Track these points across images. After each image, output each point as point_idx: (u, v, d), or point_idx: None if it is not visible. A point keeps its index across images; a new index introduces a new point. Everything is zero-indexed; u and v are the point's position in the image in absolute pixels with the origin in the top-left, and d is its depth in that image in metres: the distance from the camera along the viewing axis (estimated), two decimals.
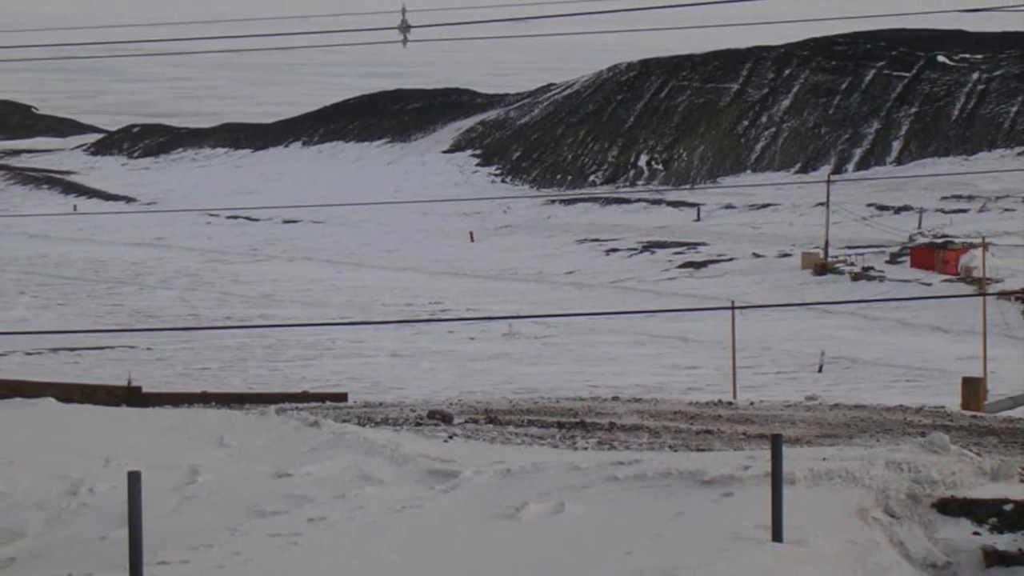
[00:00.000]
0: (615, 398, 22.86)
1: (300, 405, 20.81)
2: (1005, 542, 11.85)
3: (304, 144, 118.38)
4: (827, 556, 11.46)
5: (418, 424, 18.58)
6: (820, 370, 48.16)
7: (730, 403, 22.27)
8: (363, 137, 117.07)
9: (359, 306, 66.58)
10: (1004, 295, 56.15)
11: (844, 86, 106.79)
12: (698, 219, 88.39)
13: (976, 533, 12.09)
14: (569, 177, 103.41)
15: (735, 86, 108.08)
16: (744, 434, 18.08)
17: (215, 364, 50.39)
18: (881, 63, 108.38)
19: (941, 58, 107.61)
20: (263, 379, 46.07)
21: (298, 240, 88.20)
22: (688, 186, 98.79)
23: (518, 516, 12.84)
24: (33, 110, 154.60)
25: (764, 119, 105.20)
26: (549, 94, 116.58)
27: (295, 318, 62.25)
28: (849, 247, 74.23)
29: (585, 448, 16.50)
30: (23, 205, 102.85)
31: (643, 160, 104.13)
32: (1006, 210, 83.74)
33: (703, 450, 16.42)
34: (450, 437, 17.10)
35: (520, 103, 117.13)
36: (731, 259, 75.13)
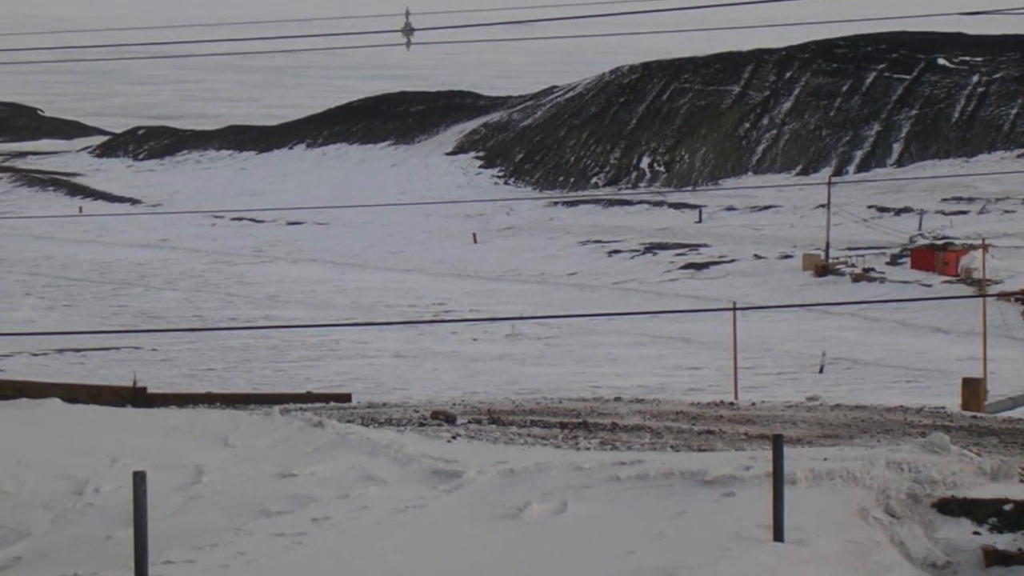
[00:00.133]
0: (617, 399, 22.93)
1: (304, 406, 20.87)
2: (1005, 542, 11.88)
3: (308, 146, 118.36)
4: (828, 556, 11.48)
5: (422, 424, 18.61)
6: (821, 371, 48.34)
7: (732, 404, 22.32)
8: (367, 139, 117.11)
9: (363, 307, 66.69)
10: (1004, 296, 56.06)
11: (845, 88, 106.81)
12: (700, 221, 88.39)
13: (976, 533, 12.11)
14: (572, 179, 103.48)
15: (737, 88, 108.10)
16: (745, 434, 18.12)
17: (220, 365, 50.59)
18: (882, 66, 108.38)
19: (941, 61, 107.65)
20: (268, 380, 46.29)
21: (302, 242, 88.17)
22: (690, 188, 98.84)
23: (521, 516, 12.86)
24: (39, 112, 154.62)
25: (765, 121, 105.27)
26: (552, 96, 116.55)
27: (299, 319, 62.22)
28: (850, 249, 74.15)
29: (588, 448, 16.53)
30: (29, 207, 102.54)
31: (645, 162, 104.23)
32: (1006, 212, 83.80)
33: (705, 450, 16.46)
34: (453, 437, 17.13)
35: (523, 105, 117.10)
36: (733, 260, 75.14)
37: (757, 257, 75.66)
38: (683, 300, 65.78)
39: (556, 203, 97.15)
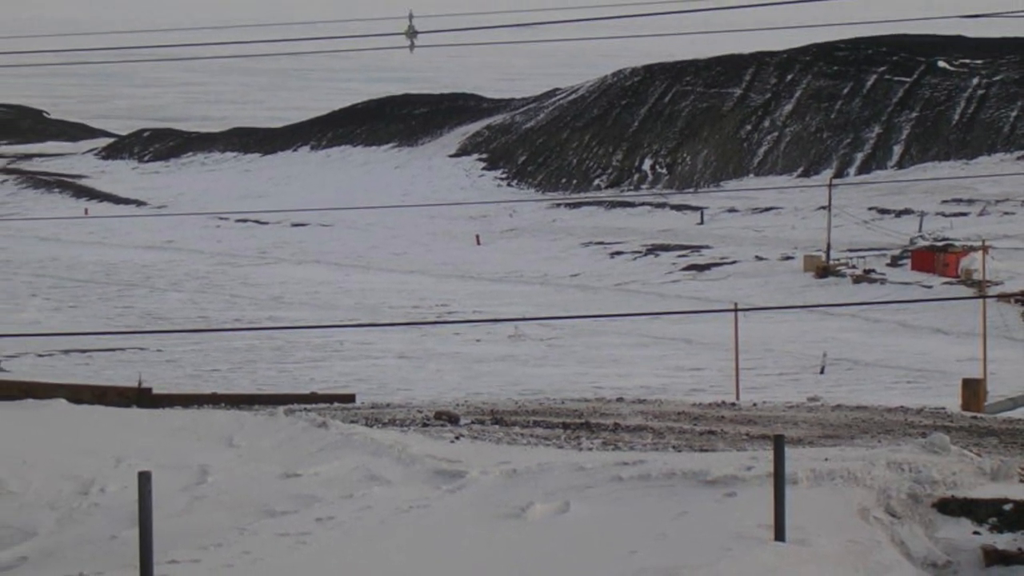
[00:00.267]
0: (619, 399, 22.96)
1: (308, 406, 20.83)
2: (1005, 541, 11.90)
3: (312, 148, 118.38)
4: (829, 555, 11.49)
5: (425, 425, 18.63)
6: (822, 372, 48.47)
7: (733, 404, 22.31)
8: (371, 141, 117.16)
9: (367, 308, 66.78)
10: (1004, 297, 56.05)
11: (846, 91, 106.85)
12: (702, 222, 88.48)
13: (976, 533, 12.14)
14: (574, 181, 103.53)
15: (738, 91, 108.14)
16: (747, 435, 18.14)
17: (224, 366, 50.76)
18: (882, 68, 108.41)
19: (942, 63, 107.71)
20: (272, 380, 46.37)
21: (307, 243, 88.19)
22: (692, 190, 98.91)
23: (524, 516, 12.88)
24: (45, 114, 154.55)
25: (767, 123, 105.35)
26: (554, 99, 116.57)
27: (304, 320, 62.31)
28: (851, 250, 74.12)
29: (590, 449, 16.53)
30: (35, 209, 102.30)
31: (647, 164, 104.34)
32: (1006, 214, 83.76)
33: (706, 451, 16.46)
34: (457, 438, 17.13)
35: (526, 108, 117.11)
36: (734, 262, 75.20)
37: (758, 258, 75.66)
38: (685, 301, 65.86)
39: (559, 205, 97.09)
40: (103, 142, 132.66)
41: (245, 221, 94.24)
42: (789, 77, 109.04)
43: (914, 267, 68.97)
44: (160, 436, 16.59)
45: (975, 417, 21.66)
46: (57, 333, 54.99)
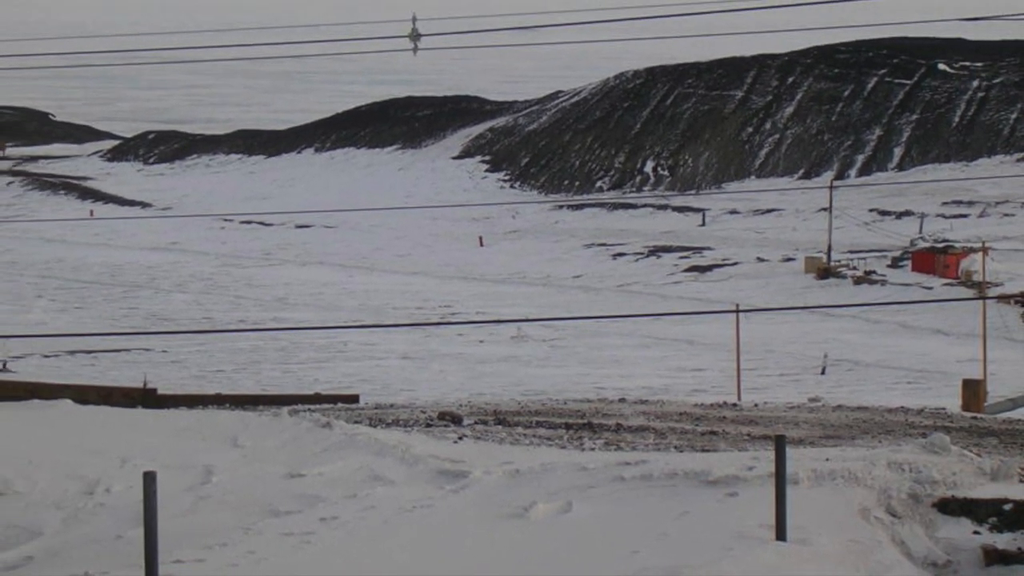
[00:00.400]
0: (622, 400, 23.06)
1: (312, 407, 20.83)
2: (1005, 541, 11.92)
3: (316, 150, 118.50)
4: (830, 555, 11.53)
5: (428, 425, 18.65)
6: (823, 372, 48.76)
7: (735, 405, 22.35)
8: (374, 143, 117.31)
9: (371, 309, 67.00)
10: (1004, 299, 56.21)
11: (847, 93, 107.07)
12: (703, 224, 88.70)
13: (976, 532, 12.16)
14: (576, 183, 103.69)
15: (740, 93, 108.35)
16: (748, 435, 18.18)
17: (229, 366, 51.03)
18: (883, 71, 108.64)
19: (942, 66, 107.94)
20: (276, 381, 46.70)
21: (311, 245, 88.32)
22: (693, 191, 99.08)
23: (527, 516, 12.90)
24: (50, 117, 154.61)
25: (768, 126, 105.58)
26: (557, 101, 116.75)
27: (308, 321, 62.56)
28: (851, 251, 74.41)
29: (592, 449, 16.55)
30: (40, 210, 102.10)
31: (649, 166, 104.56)
32: (1006, 215, 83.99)
33: (708, 451, 16.50)
34: (460, 438, 17.15)
35: (528, 110, 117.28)
36: (735, 263, 75.41)
37: (760, 260, 75.85)
38: (687, 302, 65.95)
39: (561, 206, 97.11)
40: (108, 144, 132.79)
41: (250, 223, 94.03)
42: (790, 80, 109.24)
43: (914, 268, 69.15)
44: (165, 436, 16.64)
45: (975, 417, 21.73)
46: (63, 334, 55.10)
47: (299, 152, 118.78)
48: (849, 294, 65.82)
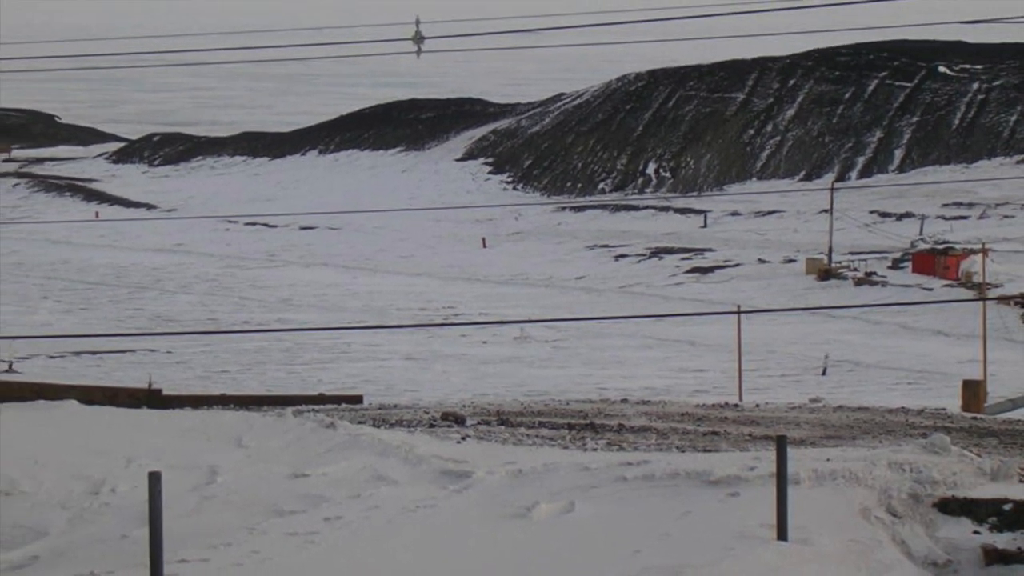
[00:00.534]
0: (624, 400, 23.16)
1: (316, 407, 20.87)
2: (1004, 541, 11.95)
3: (320, 152, 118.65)
4: (831, 554, 11.56)
5: (432, 426, 18.70)
6: (824, 373, 49.06)
7: (736, 405, 22.41)
8: (378, 146, 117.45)
9: (374, 310, 67.16)
10: (1003, 300, 56.37)
11: (847, 96, 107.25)
12: (705, 226, 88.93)
13: (976, 532, 12.19)
14: (579, 184, 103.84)
15: (741, 96, 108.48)
16: (750, 435, 18.25)
17: (234, 367, 51.26)
18: (883, 73, 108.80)
19: (942, 69, 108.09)
20: (280, 382, 46.95)
21: (315, 246, 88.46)
22: (695, 193, 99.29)
23: (529, 515, 12.93)
24: (56, 119, 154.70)
25: (769, 128, 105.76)
26: (559, 103, 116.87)
27: (312, 322, 62.84)
28: (852, 253, 74.63)
29: (595, 449, 16.60)
30: (46, 212, 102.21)
31: (651, 168, 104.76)
32: (1005, 217, 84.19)
33: (710, 451, 16.55)
34: (463, 438, 17.19)
35: (531, 112, 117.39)
36: (737, 265, 75.67)
37: (761, 261, 76.06)
38: (688, 303, 65.97)
39: (564, 208, 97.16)
40: (113, 146, 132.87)
41: (254, 224, 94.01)
42: (791, 82, 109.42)
43: (915, 270, 69.38)
44: (170, 437, 16.64)
45: (975, 418, 21.79)
46: (68, 335, 55.46)
47: (303, 154, 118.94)
48: (850, 295, 66.03)
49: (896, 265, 71.81)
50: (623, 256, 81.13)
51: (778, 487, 11.84)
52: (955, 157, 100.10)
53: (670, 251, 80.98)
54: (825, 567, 11.35)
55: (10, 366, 45.90)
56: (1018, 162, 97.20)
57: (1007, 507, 12.37)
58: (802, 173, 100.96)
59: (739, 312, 39.31)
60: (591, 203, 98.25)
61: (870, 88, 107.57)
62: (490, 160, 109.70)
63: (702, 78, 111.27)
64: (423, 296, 71.88)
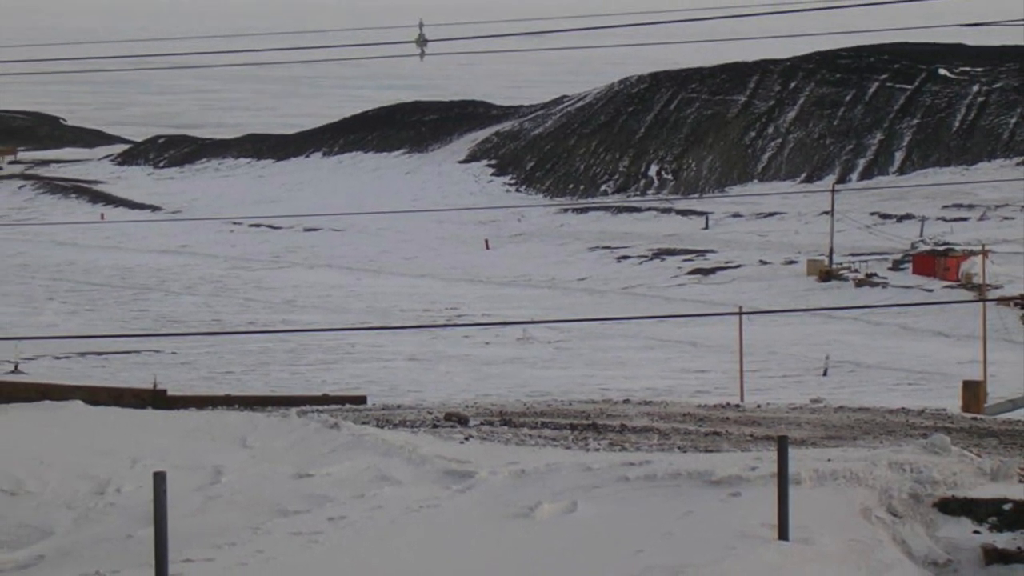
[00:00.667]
0: (626, 401, 23.20)
1: (320, 407, 20.91)
2: (1004, 540, 11.97)
3: (325, 155, 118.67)
4: (832, 554, 11.59)
5: (435, 426, 18.72)
6: (825, 374, 49.40)
7: (738, 406, 22.44)
8: (382, 148, 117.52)
9: (378, 312, 67.36)
10: (1003, 301, 56.52)
11: (848, 98, 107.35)
12: (706, 227, 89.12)
13: (976, 532, 12.21)
14: (581, 186, 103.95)
15: (742, 98, 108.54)
16: (751, 436, 18.29)
17: (238, 368, 51.58)
18: (884, 76, 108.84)
19: (942, 71, 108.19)
20: (285, 382, 47.26)
21: (319, 248, 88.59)
22: (697, 195, 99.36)
23: (532, 515, 12.96)
24: (62, 121, 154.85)
25: (771, 130, 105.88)
26: (562, 106, 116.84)
27: (316, 323, 63.16)
28: (853, 254, 74.86)
29: (597, 449, 16.63)
30: (52, 214, 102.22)
31: (653, 170, 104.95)
32: (1005, 218, 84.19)
33: (711, 451, 16.56)
34: (466, 439, 17.20)
35: (534, 115, 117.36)
36: (739, 266, 75.88)
37: (762, 263, 76.25)
38: (690, 305, 66.22)
39: (566, 210, 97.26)
40: (119, 148, 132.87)
41: (258, 226, 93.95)
42: (792, 84, 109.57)
43: (915, 271, 69.59)
44: (175, 437, 16.66)
45: (975, 418, 21.86)
46: (74, 336, 56.01)
47: (307, 156, 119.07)
48: (850, 296, 66.21)
49: (897, 266, 72.06)
50: (625, 257, 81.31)
51: (779, 487, 11.89)
52: (955, 159, 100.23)
53: (672, 252, 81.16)
54: (826, 566, 11.40)
55: (16, 367, 46.13)
56: (1018, 164, 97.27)
57: (1007, 507, 12.40)
58: (803, 175, 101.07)
59: (740, 313, 39.51)
60: (593, 205, 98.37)
61: (871, 90, 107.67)
62: (493, 162, 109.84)
63: (704, 80, 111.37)
64: (426, 297, 72.07)
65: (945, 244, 75.45)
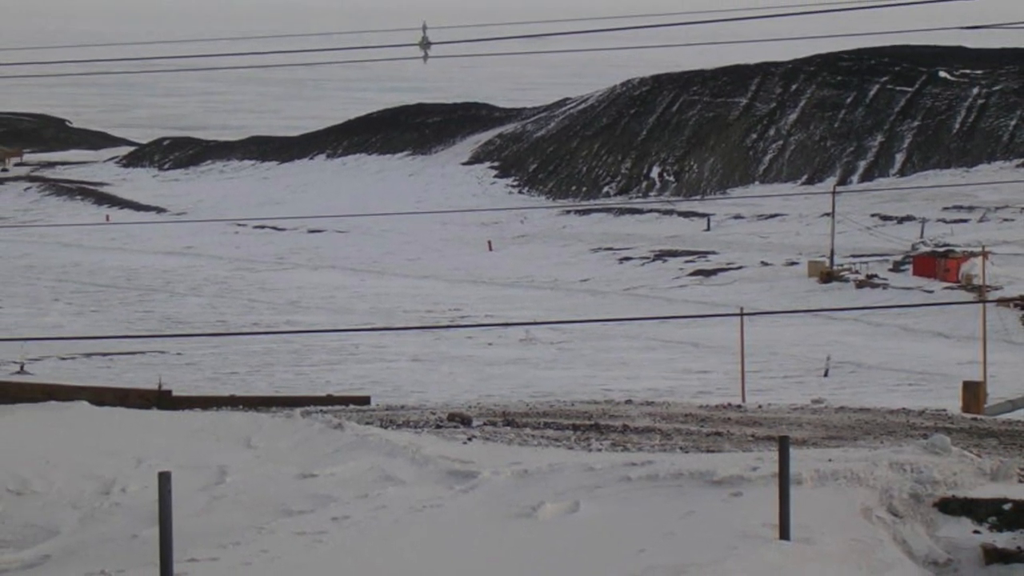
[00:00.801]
0: (628, 401, 23.19)
1: (324, 408, 20.86)
2: (1004, 540, 12.00)
3: (328, 156, 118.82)
4: (833, 554, 11.62)
5: (438, 426, 18.70)
6: (826, 374, 49.58)
7: (739, 406, 22.41)
8: (385, 150, 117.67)
9: (382, 312, 67.51)
10: (1003, 302, 56.62)
11: (849, 100, 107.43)
12: (708, 229, 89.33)
13: (976, 531, 12.24)
14: (584, 188, 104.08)
15: (744, 100, 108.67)
16: (753, 436, 18.28)
17: (243, 368, 51.77)
18: (885, 78, 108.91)
19: (942, 73, 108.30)
20: (289, 383, 47.43)
21: (323, 249, 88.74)
22: (699, 197, 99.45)
23: (535, 515, 12.97)
24: (67, 123, 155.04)
25: (772, 132, 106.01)
26: (565, 108, 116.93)
27: (320, 324, 63.24)
28: (854, 256, 74.98)
29: (599, 449, 16.60)
30: (58, 215, 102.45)
31: (655, 172, 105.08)
32: (1005, 220, 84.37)
33: (713, 451, 16.54)
34: (469, 439, 17.19)
35: (537, 117, 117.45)
36: (740, 267, 76.05)
37: (764, 264, 76.41)
38: (692, 306, 66.39)
39: (569, 211, 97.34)
40: (124, 150, 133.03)
41: (263, 227, 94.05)
42: (794, 87, 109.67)
43: (916, 272, 69.71)
44: (180, 437, 16.72)
45: (975, 419, 21.86)
46: (79, 337, 55.96)
47: (311, 158, 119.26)
48: (851, 297, 66.29)
49: (897, 268, 72.17)
50: (627, 259, 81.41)
51: (780, 487, 11.91)
52: (955, 161, 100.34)
53: (674, 254, 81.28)
54: (827, 566, 11.43)
55: (22, 367, 46.40)
56: (1018, 166, 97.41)
57: (1007, 507, 12.42)
58: (804, 177, 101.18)
59: (742, 314, 39.54)
60: (596, 206, 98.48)
61: (871, 93, 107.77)
62: (496, 164, 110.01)
63: (706, 83, 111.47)
64: (430, 298, 72.24)
65: (945, 245, 75.56)
